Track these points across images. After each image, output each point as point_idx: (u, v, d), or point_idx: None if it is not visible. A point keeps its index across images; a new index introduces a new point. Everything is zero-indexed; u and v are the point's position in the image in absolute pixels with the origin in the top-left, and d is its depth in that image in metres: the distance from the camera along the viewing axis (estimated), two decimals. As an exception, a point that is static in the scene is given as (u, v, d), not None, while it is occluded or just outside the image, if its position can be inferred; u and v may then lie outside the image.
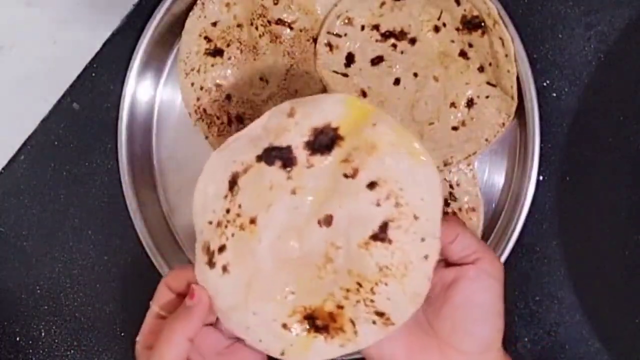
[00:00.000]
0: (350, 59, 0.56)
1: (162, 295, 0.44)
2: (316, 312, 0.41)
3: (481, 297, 0.42)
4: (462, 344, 0.41)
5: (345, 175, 0.40)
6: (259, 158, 0.41)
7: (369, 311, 0.41)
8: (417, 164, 0.40)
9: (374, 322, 0.41)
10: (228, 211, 0.42)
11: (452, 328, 0.42)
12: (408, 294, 0.40)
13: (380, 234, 0.40)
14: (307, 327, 0.42)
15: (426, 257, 0.40)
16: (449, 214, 0.56)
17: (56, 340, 0.63)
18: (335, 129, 0.40)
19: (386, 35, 0.55)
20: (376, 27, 0.55)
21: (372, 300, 0.40)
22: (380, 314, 0.41)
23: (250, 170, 0.41)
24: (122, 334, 0.62)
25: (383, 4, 0.54)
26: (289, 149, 0.40)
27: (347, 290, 0.41)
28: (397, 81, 0.55)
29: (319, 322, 0.41)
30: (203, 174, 0.43)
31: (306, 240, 0.41)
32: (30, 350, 0.63)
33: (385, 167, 0.40)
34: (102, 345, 0.62)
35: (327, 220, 0.41)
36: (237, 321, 0.42)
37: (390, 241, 0.40)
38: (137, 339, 0.44)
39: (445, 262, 0.44)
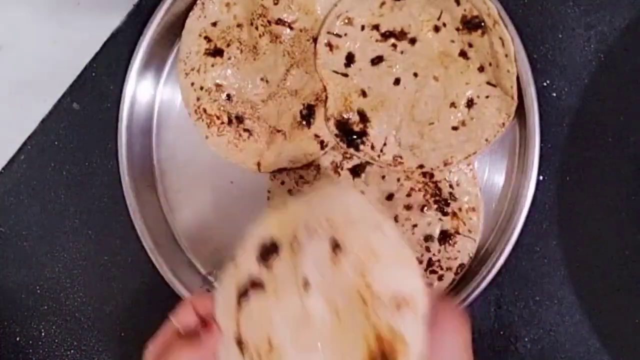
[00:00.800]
0: (350, 58, 0.56)
1: (185, 314, 0.46)
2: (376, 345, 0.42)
3: (448, 356, 0.43)
4: None
5: (295, 248, 0.43)
6: (238, 303, 0.44)
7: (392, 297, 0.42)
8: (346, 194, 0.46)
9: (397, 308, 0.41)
10: None
11: None
12: (393, 263, 0.42)
13: (338, 254, 0.42)
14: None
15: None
16: (450, 214, 0.56)
17: (56, 340, 0.63)
18: (270, 238, 0.44)
19: (386, 35, 0.55)
20: (376, 27, 0.55)
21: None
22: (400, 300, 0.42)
23: (240, 324, 0.43)
24: (122, 334, 0.61)
25: (383, 4, 0.54)
26: (250, 277, 0.44)
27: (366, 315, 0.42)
28: (397, 81, 0.55)
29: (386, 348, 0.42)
30: None
31: (311, 317, 0.42)
32: (30, 350, 0.63)
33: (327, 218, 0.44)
34: (102, 345, 0.62)
35: (305, 282, 0.43)
36: None
37: (342, 249, 0.43)
38: (149, 346, 0.45)
39: None
